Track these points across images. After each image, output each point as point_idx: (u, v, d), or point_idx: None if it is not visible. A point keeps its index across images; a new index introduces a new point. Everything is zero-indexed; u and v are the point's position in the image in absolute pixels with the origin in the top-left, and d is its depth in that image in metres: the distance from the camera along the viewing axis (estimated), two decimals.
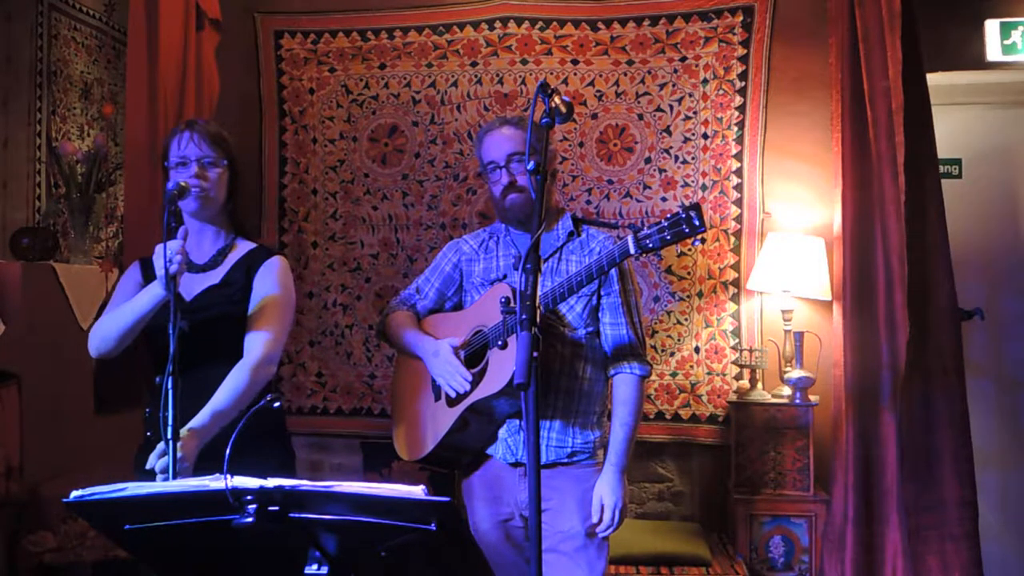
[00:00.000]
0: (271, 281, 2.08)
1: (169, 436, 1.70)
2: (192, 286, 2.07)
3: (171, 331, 1.74)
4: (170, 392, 1.70)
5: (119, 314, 2.00)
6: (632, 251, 1.86)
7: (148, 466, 1.77)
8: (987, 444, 3.64)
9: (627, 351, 2.14)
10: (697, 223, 1.78)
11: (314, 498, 1.26)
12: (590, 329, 2.16)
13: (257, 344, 2.01)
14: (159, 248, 1.84)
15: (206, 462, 1.80)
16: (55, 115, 3.32)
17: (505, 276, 2.21)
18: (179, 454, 1.74)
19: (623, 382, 2.14)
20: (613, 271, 2.07)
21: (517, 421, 2.14)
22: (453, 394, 2.12)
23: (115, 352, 2.03)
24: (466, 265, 2.32)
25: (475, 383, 2.09)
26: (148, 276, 2.09)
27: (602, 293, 2.15)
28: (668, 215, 1.82)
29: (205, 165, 2.04)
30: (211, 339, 2.01)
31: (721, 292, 3.56)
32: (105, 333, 2.02)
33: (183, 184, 1.96)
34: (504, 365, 2.02)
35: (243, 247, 2.14)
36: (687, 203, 1.97)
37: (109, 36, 3.63)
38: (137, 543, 1.41)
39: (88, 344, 2.06)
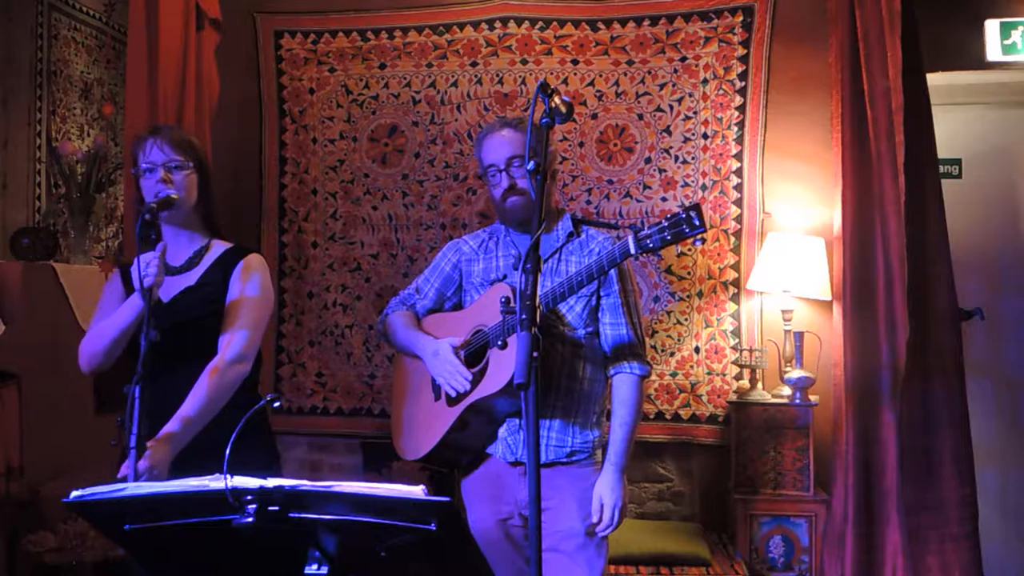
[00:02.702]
0: (246, 279, 2.09)
1: (133, 444, 1.71)
2: (169, 288, 2.07)
3: (142, 341, 1.77)
4: (136, 400, 1.71)
5: (104, 328, 2.02)
6: (632, 251, 1.86)
7: (119, 475, 1.77)
8: (987, 444, 3.64)
9: (627, 351, 2.14)
10: (697, 223, 1.78)
11: (314, 498, 1.26)
12: (590, 329, 2.16)
13: (228, 344, 2.01)
14: (136, 260, 1.86)
15: (189, 463, 1.81)
16: (55, 115, 3.32)
17: (505, 276, 2.21)
18: (147, 463, 1.76)
19: (623, 382, 2.14)
20: (613, 271, 2.07)
21: (517, 420, 2.14)
22: (453, 393, 2.12)
23: (106, 365, 2.05)
24: (465, 265, 2.32)
25: (475, 383, 2.09)
26: (129, 283, 2.11)
27: (602, 293, 2.15)
28: (668, 215, 1.82)
29: (171, 169, 2.05)
30: (188, 341, 2.01)
31: (721, 292, 3.56)
32: (94, 348, 2.04)
33: (173, 197, 1.99)
34: (504, 365, 2.02)
35: (219, 248, 2.15)
36: (687, 203, 1.98)
37: (109, 36, 3.63)
38: (137, 543, 1.41)
39: (79, 361, 2.08)
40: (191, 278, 2.09)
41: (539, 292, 2.02)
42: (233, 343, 2.01)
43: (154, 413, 1.81)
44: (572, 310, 2.14)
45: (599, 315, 2.16)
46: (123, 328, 1.97)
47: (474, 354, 2.15)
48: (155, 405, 1.81)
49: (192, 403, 1.92)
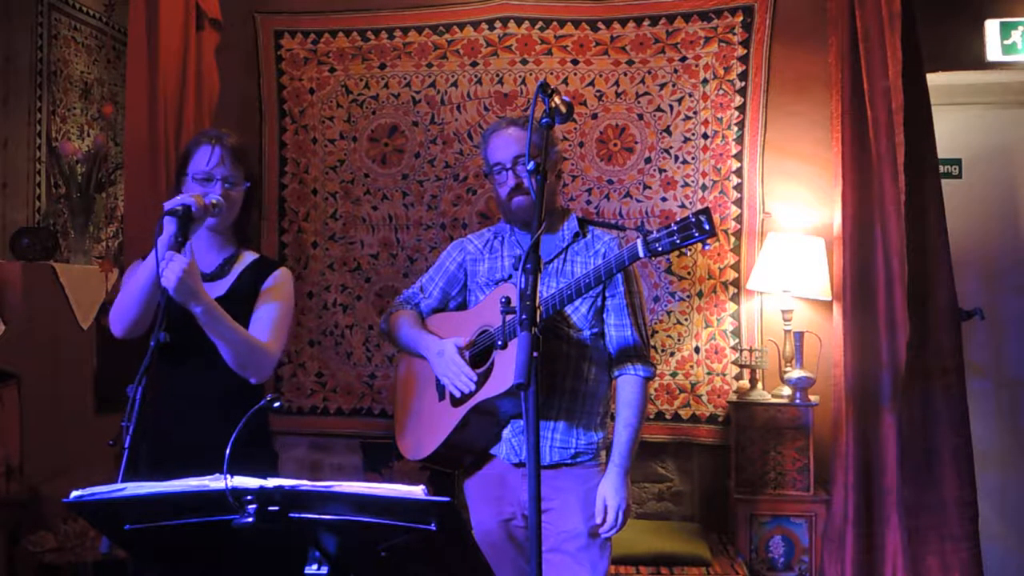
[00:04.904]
0: (276, 292, 2.10)
1: (128, 445, 1.70)
2: None
3: (151, 342, 1.76)
4: (137, 401, 1.71)
5: (126, 291, 2.00)
6: (641, 254, 1.86)
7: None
8: (987, 444, 3.64)
9: (631, 352, 2.14)
10: (707, 227, 1.78)
11: (314, 498, 1.26)
12: (595, 330, 2.16)
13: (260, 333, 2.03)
14: (167, 254, 1.84)
15: (192, 463, 1.81)
16: (55, 115, 3.32)
17: (510, 276, 2.20)
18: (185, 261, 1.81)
19: (627, 383, 2.14)
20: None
21: (521, 421, 2.13)
22: (458, 394, 2.12)
23: (136, 329, 1.99)
24: (471, 265, 2.31)
25: (480, 383, 2.08)
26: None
27: (607, 295, 2.15)
28: (678, 219, 1.83)
29: (231, 184, 2.04)
30: (212, 348, 2.01)
31: (721, 292, 3.56)
32: (119, 310, 2.01)
33: (215, 202, 1.97)
34: (510, 365, 2.01)
35: (248, 258, 2.15)
36: (690, 206, 1.98)
37: (109, 36, 3.63)
38: (137, 543, 1.41)
39: (111, 326, 2.04)
40: (220, 287, 2.08)
41: (546, 293, 2.03)
42: (264, 335, 2.02)
43: (151, 414, 1.80)
44: (577, 311, 2.14)
45: (604, 316, 2.16)
46: (145, 288, 1.93)
47: (479, 355, 2.14)
48: (154, 406, 1.79)
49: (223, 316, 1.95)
